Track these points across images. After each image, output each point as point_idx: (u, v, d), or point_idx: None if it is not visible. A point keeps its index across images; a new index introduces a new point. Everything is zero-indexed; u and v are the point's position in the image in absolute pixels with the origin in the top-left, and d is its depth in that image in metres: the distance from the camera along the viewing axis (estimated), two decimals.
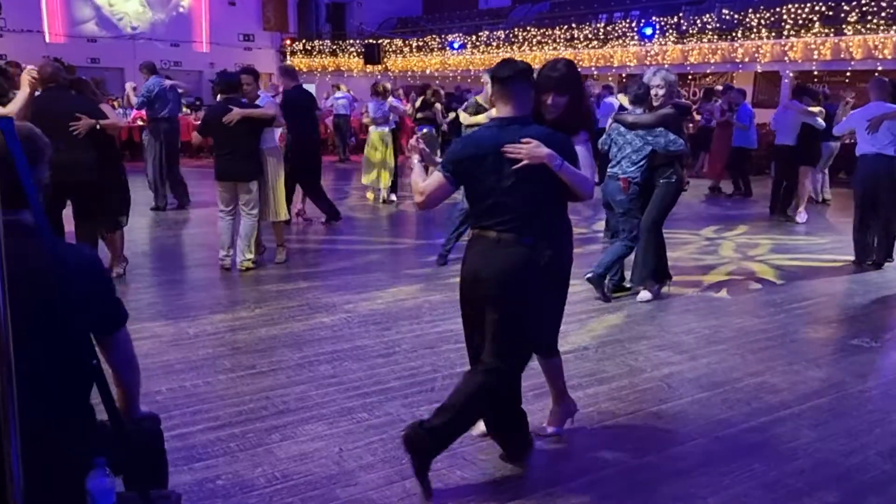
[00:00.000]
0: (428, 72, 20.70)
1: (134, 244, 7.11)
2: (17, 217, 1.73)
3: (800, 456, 3.20)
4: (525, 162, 2.72)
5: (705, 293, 5.81)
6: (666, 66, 15.70)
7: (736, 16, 14.68)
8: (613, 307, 5.39)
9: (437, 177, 2.89)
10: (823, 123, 9.13)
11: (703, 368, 4.22)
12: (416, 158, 3.11)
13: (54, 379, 1.73)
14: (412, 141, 3.23)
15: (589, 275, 5.40)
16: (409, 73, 21.09)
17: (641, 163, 5.32)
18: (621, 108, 6.47)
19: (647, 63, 16.09)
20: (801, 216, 9.28)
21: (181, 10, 22.02)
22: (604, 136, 5.63)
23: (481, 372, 2.85)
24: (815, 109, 9.07)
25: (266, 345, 4.48)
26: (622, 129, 5.38)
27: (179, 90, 9.52)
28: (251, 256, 6.22)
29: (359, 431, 3.34)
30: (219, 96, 6.38)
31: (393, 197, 10.18)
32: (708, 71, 14.77)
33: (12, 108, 4.65)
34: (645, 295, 5.57)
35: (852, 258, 6.78)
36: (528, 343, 2.94)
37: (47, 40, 19.62)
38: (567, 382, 3.92)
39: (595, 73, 17.49)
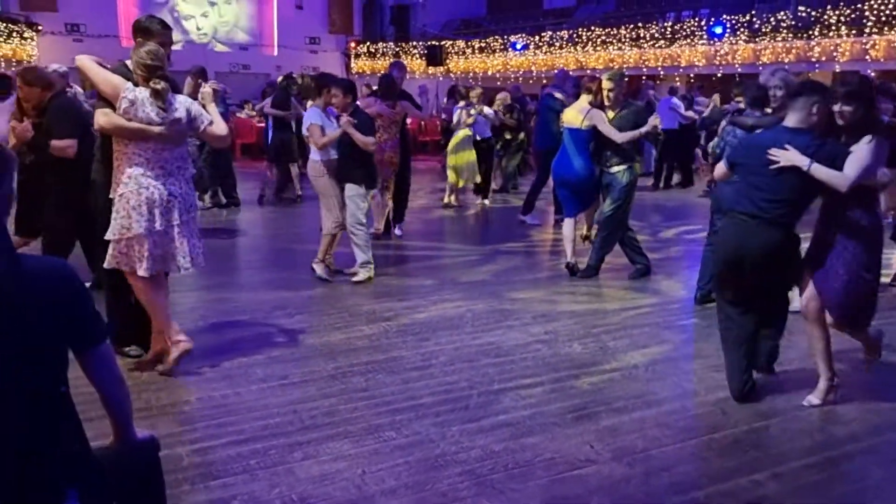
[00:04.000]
0: (490, 73, 20.48)
1: None
2: None
3: (868, 499, 2.87)
4: (780, 164, 3.48)
5: None
6: (737, 66, 15.12)
7: (813, 13, 13.94)
8: (668, 322, 5.09)
9: (722, 165, 4.00)
10: None
11: (763, 393, 3.89)
12: None
13: (19, 405, 1.60)
14: None
15: (695, 294, 5.52)
16: (471, 74, 20.90)
17: None
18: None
19: (717, 63, 15.49)
20: None
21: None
22: (716, 140, 5.36)
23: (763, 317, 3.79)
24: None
25: (301, 353, 4.37)
26: (738, 131, 5.03)
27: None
28: None
29: (384, 452, 3.17)
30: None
31: (486, 201, 10.19)
32: None
33: (224, 126, 4.29)
34: None
35: None
36: (786, 300, 3.90)
37: (123, 45, 20.31)
38: (611, 405, 3.70)
39: (661, 73, 16.94)
